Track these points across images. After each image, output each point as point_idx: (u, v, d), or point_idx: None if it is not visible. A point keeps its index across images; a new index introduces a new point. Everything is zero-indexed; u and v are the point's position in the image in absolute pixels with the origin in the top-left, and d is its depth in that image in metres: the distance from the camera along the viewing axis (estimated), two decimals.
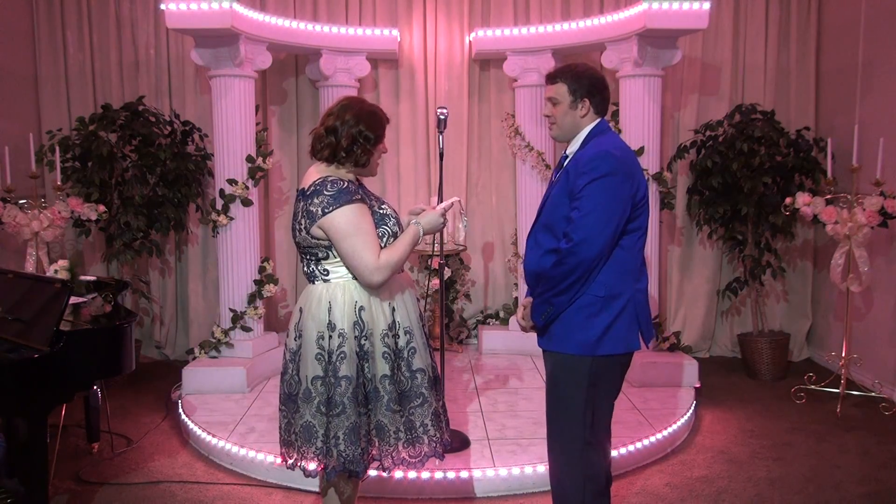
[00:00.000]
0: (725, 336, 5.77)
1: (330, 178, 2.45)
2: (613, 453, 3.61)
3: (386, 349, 2.47)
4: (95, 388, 3.81)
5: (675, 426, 4.01)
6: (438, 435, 2.57)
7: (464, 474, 3.45)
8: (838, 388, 4.52)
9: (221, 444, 3.82)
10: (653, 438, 3.84)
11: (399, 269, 2.50)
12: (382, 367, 2.47)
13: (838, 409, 4.41)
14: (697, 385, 4.65)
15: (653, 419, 4.09)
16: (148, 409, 4.59)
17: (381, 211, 2.54)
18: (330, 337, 2.44)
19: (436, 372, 2.64)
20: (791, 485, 3.53)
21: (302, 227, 2.47)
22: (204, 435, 3.94)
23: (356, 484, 2.66)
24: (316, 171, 2.51)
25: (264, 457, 3.62)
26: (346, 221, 2.38)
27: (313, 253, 2.50)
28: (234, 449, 3.75)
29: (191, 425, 4.07)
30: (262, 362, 4.86)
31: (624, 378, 2.61)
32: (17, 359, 2.81)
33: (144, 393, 4.86)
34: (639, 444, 3.76)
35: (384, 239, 2.49)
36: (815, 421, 4.34)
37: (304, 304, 2.53)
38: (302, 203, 2.47)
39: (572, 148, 2.57)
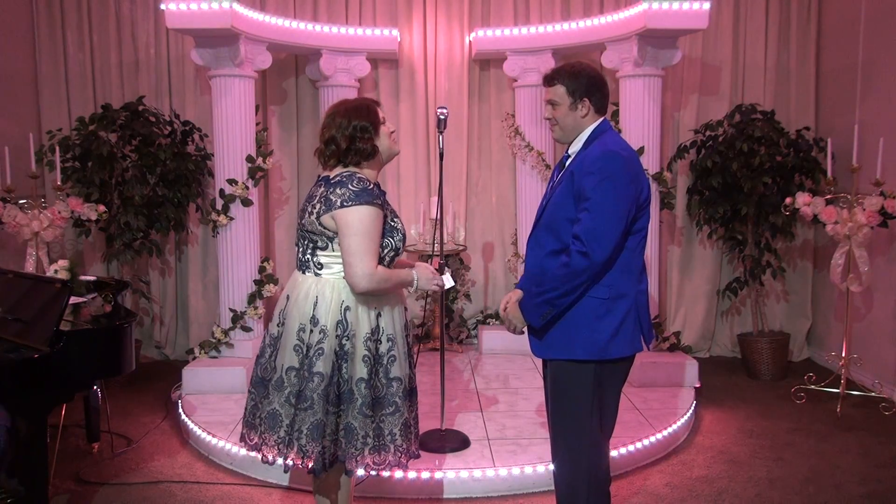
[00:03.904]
0: (725, 336, 5.77)
1: (357, 175, 2.47)
2: (613, 453, 3.62)
3: (367, 353, 2.47)
4: (95, 388, 3.81)
5: (675, 426, 4.01)
6: (405, 446, 2.55)
7: (463, 474, 3.45)
8: (838, 388, 4.52)
9: (221, 444, 3.82)
10: (653, 438, 3.84)
11: (380, 293, 2.49)
12: (361, 370, 2.46)
13: (838, 409, 4.42)
14: (697, 385, 4.65)
15: (653, 419, 4.09)
16: (148, 409, 4.59)
17: (393, 224, 2.55)
18: (311, 331, 2.45)
19: (413, 384, 2.63)
20: (791, 485, 3.53)
21: (315, 210, 2.47)
22: (204, 435, 3.94)
23: (348, 483, 2.66)
24: (341, 168, 2.53)
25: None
26: (360, 220, 2.39)
27: (313, 240, 2.50)
28: (234, 449, 3.74)
29: (191, 425, 4.07)
30: None
31: (627, 372, 2.61)
32: (17, 359, 2.81)
33: (144, 393, 4.86)
34: (639, 444, 3.76)
35: (385, 251, 2.51)
36: (815, 421, 4.34)
37: (292, 292, 2.55)
38: (323, 189, 2.48)
39: (575, 147, 2.56)
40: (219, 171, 4.79)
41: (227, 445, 3.78)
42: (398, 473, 3.35)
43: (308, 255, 2.54)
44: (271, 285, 4.89)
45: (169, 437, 4.16)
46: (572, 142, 2.58)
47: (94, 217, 4.68)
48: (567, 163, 2.56)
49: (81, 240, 5.33)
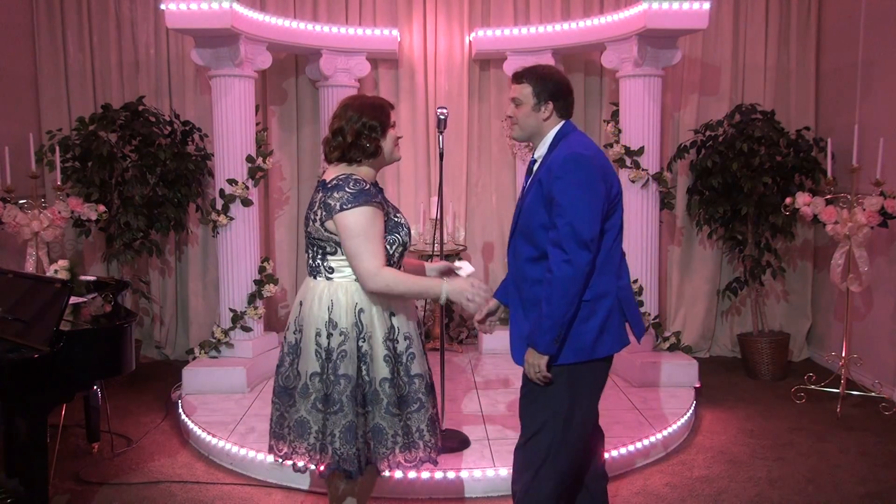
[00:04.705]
0: (725, 336, 5.77)
1: (354, 177, 2.46)
2: (614, 453, 3.62)
3: (387, 352, 2.47)
4: (95, 388, 3.81)
5: (675, 426, 4.01)
6: (433, 441, 2.57)
7: (464, 474, 3.45)
8: (838, 388, 4.52)
9: (221, 444, 3.82)
10: (653, 438, 3.84)
11: (394, 295, 2.46)
12: (383, 370, 2.46)
13: (838, 409, 4.41)
14: (697, 385, 4.65)
15: (653, 419, 4.09)
16: (148, 409, 4.59)
17: (396, 219, 2.55)
18: (330, 335, 2.44)
19: (432, 378, 2.64)
20: (791, 485, 3.53)
21: (317, 217, 2.46)
22: (204, 435, 3.94)
23: (354, 485, 2.65)
24: (338, 168, 2.52)
25: (264, 457, 3.62)
26: (358, 222, 2.39)
27: (322, 246, 2.50)
28: (234, 449, 3.75)
29: (191, 425, 4.07)
30: (262, 362, 4.86)
31: (608, 374, 2.60)
32: (17, 359, 2.81)
33: (144, 393, 4.86)
34: (639, 444, 3.76)
35: (393, 247, 2.50)
36: (815, 421, 4.34)
37: (305, 298, 2.53)
38: (321, 194, 2.47)
39: (540, 152, 2.55)
40: (219, 171, 4.79)
41: (227, 445, 3.78)
42: (398, 473, 3.35)
43: (318, 261, 2.52)
44: (271, 285, 4.89)
45: (169, 437, 4.16)
46: (537, 146, 2.57)
47: (94, 217, 4.68)
48: (535, 167, 2.56)
49: (81, 240, 5.33)
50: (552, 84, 2.52)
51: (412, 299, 2.58)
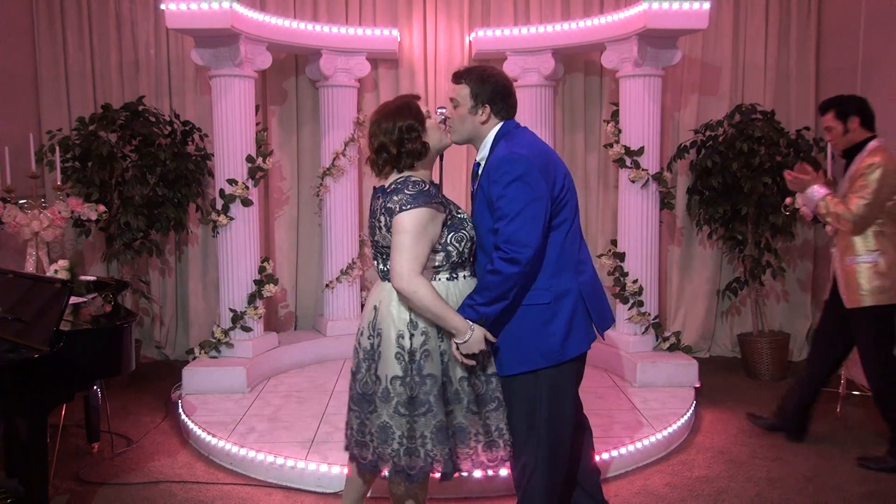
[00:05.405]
0: (725, 336, 5.77)
1: (412, 178, 2.45)
2: (614, 453, 3.62)
3: None
4: (95, 388, 3.81)
5: (675, 426, 4.01)
6: (511, 440, 2.55)
7: (463, 474, 3.43)
8: (838, 389, 4.52)
9: (221, 444, 3.82)
10: (653, 438, 3.84)
11: (415, 307, 2.40)
12: (461, 369, 2.45)
13: (838, 409, 4.41)
14: (697, 385, 4.65)
15: (653, 419, 4.09)
16: (148, 409, 4.60)
17: (460, 215, 2.52)
18: (412, 335, 2.41)
19: None
20: (791, 485, 3.53)
21: (382, 224, 2.44)
22: (204, 435, 3.94)
23: (416, 487, 2.61)
24: (394, 175, 2.50)
25: (264, 457, 3.62)
26: (413, 221, 2.35)
27: (391, 253, 2.45)
28: (234, 449, 3.75)
29: (191, 425, 4.07)
30: (262, 362, 4.87)
31: (584, 367, 2.59)
32: (17, 359, 2.81)
33: (144, 393, 4.86)
34: (639, 444, 3.76)
35: (462, 243, 2.48)
36: (815, 421, 4.33)
37: (381, 301, 2.48)
38: (381, 200, 2.45)
39: (482, 154, 2.54)
40: (219, 171, 4.79)
41: (227, 445, 3.78)
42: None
43: (390, 265, 2.46)
44: (271, 285, 4.89)
45: (169, 437, 4.16)
46: (478, 149, 2.56)
47: (94, 217, 4.67)
48: (479, 171, 2.54)
49: (81, 240, 5.33)
50: (490, 87, 2.49)
51: (430, 317, 2.43)
